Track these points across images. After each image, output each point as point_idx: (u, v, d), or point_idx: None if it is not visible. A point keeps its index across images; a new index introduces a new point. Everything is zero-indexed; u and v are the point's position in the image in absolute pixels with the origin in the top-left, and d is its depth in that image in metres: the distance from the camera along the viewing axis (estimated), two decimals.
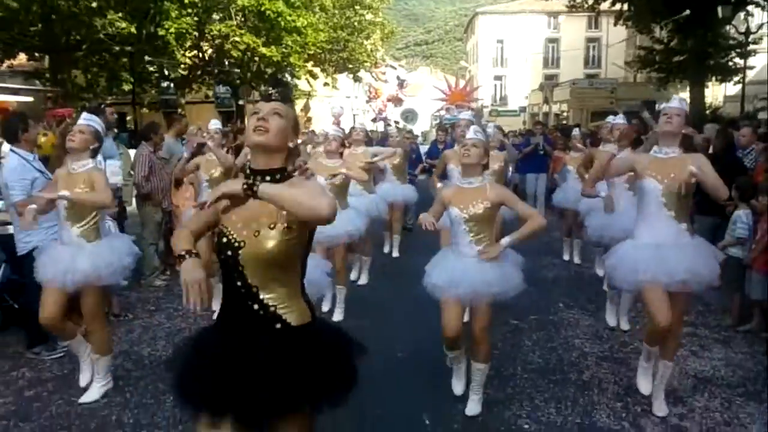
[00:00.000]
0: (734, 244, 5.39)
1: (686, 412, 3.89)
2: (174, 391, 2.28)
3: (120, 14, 13.47)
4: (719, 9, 18.24)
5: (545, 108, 37.50)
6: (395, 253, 8.36)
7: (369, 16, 27.43)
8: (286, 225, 2.10)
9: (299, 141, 7.01)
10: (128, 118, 22.79)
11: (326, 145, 5.81)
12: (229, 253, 2.13)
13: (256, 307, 2.13)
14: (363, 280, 7.05)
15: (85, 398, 4.09)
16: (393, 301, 6.20)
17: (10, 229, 5.19)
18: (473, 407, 3.85)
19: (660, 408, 3.84)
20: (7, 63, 17.19)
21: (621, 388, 4.27)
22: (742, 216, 5.37)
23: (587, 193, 4.55)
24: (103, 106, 7.90)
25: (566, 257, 8.13)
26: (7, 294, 5.44)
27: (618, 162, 4.16)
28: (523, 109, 43.62)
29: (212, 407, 2.11)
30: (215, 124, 6.27)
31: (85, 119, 4.16)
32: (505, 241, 3.68)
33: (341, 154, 5.86)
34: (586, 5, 24.91)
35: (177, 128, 7.97)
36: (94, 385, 4.17)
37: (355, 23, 26.20)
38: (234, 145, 9.40)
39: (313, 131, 12.68)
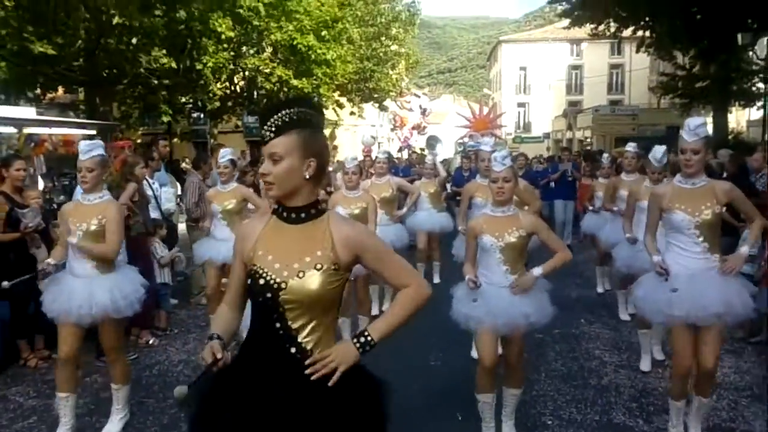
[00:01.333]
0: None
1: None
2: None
3: (164, 51, 14.26)
4: (739, 36, 18.56)
5: (569, 134, 37.88)
6: (436, 279, 8.10)
7: (394, 47, 28.28)
8: (333, 266, 2.00)
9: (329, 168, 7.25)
10: (131, 146, 23.71)
11: (345, 179, 5.82)
12: (269, 295, 1.99)
13: (293, 350, 2.01)
14: (387, 305, 6.83)
15: (106, 431, 4.11)
16: (424, 332, 5.84)
17: None
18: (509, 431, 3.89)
19: None
20: (48, 96, 18.10)
21: (636, 391, 4.67)
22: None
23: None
24: (159, 139, 8.52)
25: (600, 289, 7.84)
26: None
27: (651, 208, 3.89)
28: (546, 136, 43.98)
29: None
30: (225, 155, 6.07)
31: (87, 151, 3.87)
32: (537, 271, 3.66)
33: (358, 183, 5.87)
34: (608, 33, 25.44)
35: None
36: (113, 417, 4.15)
37: (381, 54, 27.02)
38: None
39: (338, 161, 13.10)
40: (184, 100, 20.57)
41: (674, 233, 3.64)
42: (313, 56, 17.93)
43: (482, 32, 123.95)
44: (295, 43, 17.21)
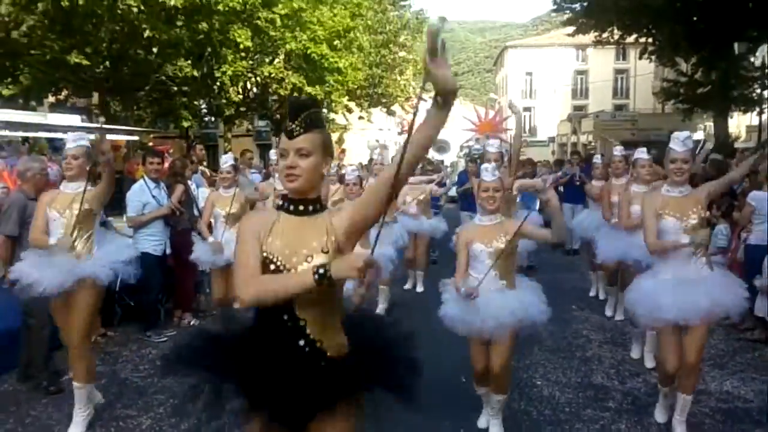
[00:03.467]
0: (716, 253, 6.51)
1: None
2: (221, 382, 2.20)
3: (189, 61, 15.13)
4: (735, 45, 19.21)
5: (573, 138, 38.54)
6: (419, 288, 8.13)
7: (402, 54, 29.16)
8: (337, 249, 2.06)
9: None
10: (171, 150, 24.68)
11: (346, 190, 5.93)
12: None
13: (302, 343, 2.06)
14: (380, 308, 6.96)
15: None
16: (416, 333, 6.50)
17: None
18: (498, 430, 4.04)
19: (660, 415, 4.12)
20: (57, 98, 18.83)
21: (616, 361, 5.45)
22: (722, 229, 6.52)
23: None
24: (194, 143, 9.32)
25: (593, 293, 7.83)
26: (125, 294, 6.80)
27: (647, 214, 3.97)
28: (552, 140, 44.71)
29: (269, 414, 2.11)
30: (227, 161, 6.23)
31: (74, 140, 4.05)
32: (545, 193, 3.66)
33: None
34: (612, 39, 26.16)
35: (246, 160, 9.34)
36: (76, 418, 4.08)
37: (390, 61, 27.92)
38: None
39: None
40: (198, 104, 21.39)
41: (665, 239, 3.80)
42: (325, 64, 18.80)
43: (489, 36, 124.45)
44: (309, 52, 18.05)
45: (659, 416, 4.17)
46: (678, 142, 3.76)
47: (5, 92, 16.71)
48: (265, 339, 2.09)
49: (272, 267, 2.05)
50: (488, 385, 3.97)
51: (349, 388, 2.10)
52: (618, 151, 6.68)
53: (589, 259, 7.75)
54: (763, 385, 4.85)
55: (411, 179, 7.04)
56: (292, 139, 2.05)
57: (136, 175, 6.71)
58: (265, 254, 2.07)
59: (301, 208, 2.12)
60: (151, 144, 9.82)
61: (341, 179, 6.87)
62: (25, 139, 9.40)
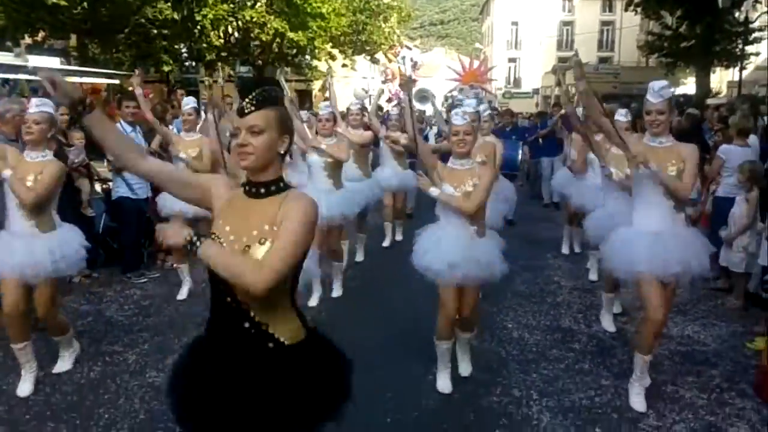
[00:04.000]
0: (688, 205, 6.72)
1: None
2: (172, 414, 2.22)
3: (168, 3, 14.84)
4: (719, 0, 19.18)
5: (557, 90, 38.43)
6: (398, 236, 8.13)
7: (387, 0, 28.66)
8: (275, 239, 1.97)
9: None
10: (151, 95, 24.32)
11: (320, 125, 5.78)
12: None
13: (247, 325, 2.03)
14: (359, 257, 7.18)
15: (58, 368, 4.21)
16: (392, 281, 6.16)
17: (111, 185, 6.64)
18: (466, 367, 4.21)
19: (639, 404, 3.83)
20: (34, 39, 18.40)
21: (584, 306, 5.71)
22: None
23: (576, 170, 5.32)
24: (174, 88, 9.24)
25: (565, 249, 7.72)
26: (108, 237, 6.89)
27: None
28: (536, 92, 44.61)
29: (201, 426, 2.09)
30: (189, 103, 5.96)
31: (38, 106, 3.86)
32: (441, 191, 3.78)
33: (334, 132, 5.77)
34: None
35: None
36: (63, 353, 4.26)
37: (374, 7, 27.44)
38: None
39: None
40: (179, 48, 21.04)
41: (641, 190, 3.78)
42: (308, 9, 18.52)
43: None
44: None
45: (636, 403, 3.83)
46: (653, 93, 3.67)
47: None
48: (214, 326, 2.13)
49: None
50: (451, 337, 4.04)
51: (298, 375, 2.05)
52: (622, 114, 5.88)
53: (567, 214, 7.66)
54: (722, 330, 5.14)
55: (368, 134, 6.93)
56: (243, 117, 2.01)
57: (115, 119, 6.71)
58: (212, 234, 2.07)
59: (254, 190, 2.08)
60: (131, 88, 9.69)
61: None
62: (5, 81, 9.29)
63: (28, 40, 18.13)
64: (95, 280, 6.33)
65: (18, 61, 9.10)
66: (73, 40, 18.64)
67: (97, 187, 6.96)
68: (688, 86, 29.00)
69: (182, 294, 5.82)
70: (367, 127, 7.03)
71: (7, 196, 3.86)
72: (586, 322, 5.28)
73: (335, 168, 5.68)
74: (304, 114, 7.72)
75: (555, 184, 7.90)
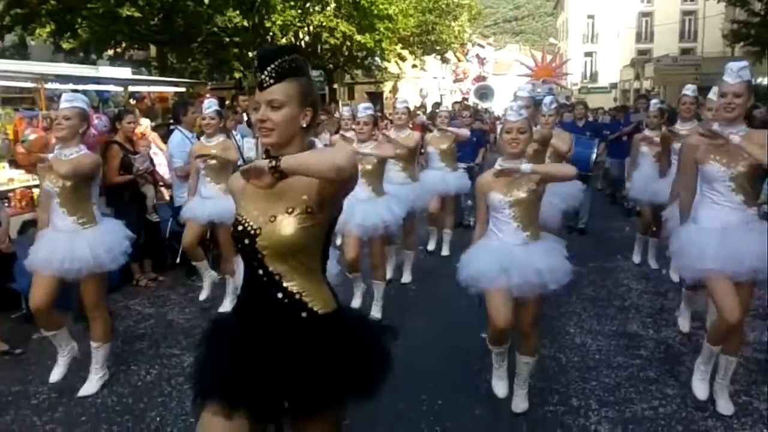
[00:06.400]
0: (766, 202, 6.25)
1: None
2: (191, 381, 2.16)
3: (237, 12, 15.21)
4: None
5: (636, 84, 37.12)
6: (445, 251, 7.35)
7: None
8: (306, 209, 1.97)
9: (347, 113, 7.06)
10: (227, 102, 25.04)
11: (357, 128, 5.33)
12: (247, 241, 2.02)
13: (280, 295, 2.01)
14: (406, 278, 6.38)
15: (84, 392, 4.02)
16: (437, 302, 5.67)
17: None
18: (519, 403, 3.69)
19: (725, 407, 3.59)
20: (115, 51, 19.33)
21: (654, 310, 5.39)
22: None
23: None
24: (236, 94, 9.45)
25: (636, 259, 6.89)
26: (175, 242, 7.07)
27: (684, 162, 3.78)
28: (614, 86, 43.21)
29: (229, 398, 1.97)
30: (211, 106, 5.59)
31: (68, 101, 3.86)
32: (527, 167, 3.38)
33: (374, 137, 5.37)
34: None
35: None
36: (92, 377, 4.08)
37: (443, 6, 27.23)
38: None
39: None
40: (252, 56, 21.54)
41: (709, 185, 3.49)
42: (375, 11, 18.56)
43: None
44: None
45: (699, 390, 3.71)
46: (731, 73, 3.30)
47: (66, 45, 17.26)
48: (248, 294, 2.11)
49: (240, 228, 2.04)
50: (507, 343, 3.68)
51: (333, 345, 1.99)
52: (690, 90, 5.67)
53: (642, 223, 6.84)
54: None
55: (416, 135, 6.50)
56: (262, 90, 1.96)
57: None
58: (237, 216, 2.08)
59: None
60: (208, 96, 9.87)
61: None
62: (75, 92, 9.73)
63: (110, 52, 19.09)
64: (161, 284, 6.51)
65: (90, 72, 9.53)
66: (153, 50, 19.42)
67: (165, 193, 7.17)
68: None
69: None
70: (417, 128, 6.75)
71: (51, 198, 3.89)
72: (655, 327, 4.98)
73: (375, 175, 5.25)
74: (346, 110, 7.59)
75: (632, 190, 6.78)
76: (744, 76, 3.30)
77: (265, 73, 1.94)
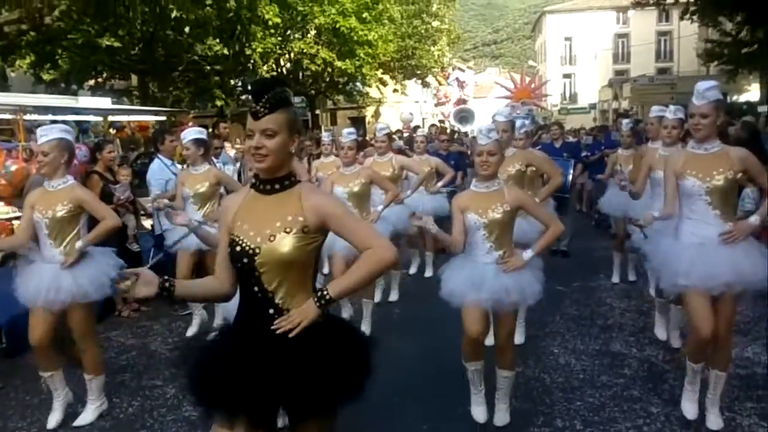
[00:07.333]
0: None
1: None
2: (189, 391, 2.28)
3: (217, 40, 15.30)
4: None
5: (614, 104, 37.64)
6: (428, 272, 7.33)
7: (435, 23, 28.75)
8: (303, 229, 2.15)
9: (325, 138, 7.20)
10: (209, 130, 24.99)
11: (342, 153, 5.47)
12: (245, 260, 2.15)
13: (271, 311, 2.17)
14: (393, 297, 6.52)
15: (80, 421, 4.01)
16: (420, 323, 5.72)
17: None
18: (501, 417, 3.75)
19: (714, 422, 3.60)
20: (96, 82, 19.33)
21: (637, 329, 5.41)
22: (749, 193, 6.35)
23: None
24: (217, 122, 9.48)
25: (615, 278, 6.94)
26: (155, 271, 7.01)
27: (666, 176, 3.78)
28: (593, 106, 43.79)
29: (228, 407, 2.13)
30: (191, 134, 5.55)
31: (43, 135, 3.83)
32: (527, 254, 3.57)
33: (358, 161, 5.55)
34: (651, 0, 25.43)
35: None
36: (88, 407, 4.08)
37: (422, 31, 27.54)
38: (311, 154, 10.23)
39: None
40: (234, 83, 21.64)
41: (687, 201, 3.55)
42: (355, 37, 18.74)
43: (529, 1, 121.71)
44: (337, 26, 18.03)
45: (687, 409, 3.69)
46: (697, 94, 3.41)
47: (46, 76, 17.23)
48: (243, 312, 2.27)
49: (238, 249, 2.18)
50: (480, 359, 3.68)
51: (319, 352, 2.12)
52: (671, 112, 5.43)
53: (616, 241, 7.00)
54: None
55: (398, 159, 6.63)
56: (258, 120, 2.12)
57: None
58: (232, 237, 2.21)
59: (269, 187, 2.22)
60: (190, 124, 9.83)
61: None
62: (54, 123, 9.70)
63: (91, 82, 19.08)
64: (143, 314, 6.44)
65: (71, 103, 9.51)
66: (134, 80, 19.44)
67: (145, 222, 7.13)
68: (752, 93, 27.93)
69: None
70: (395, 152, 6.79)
71: (39, 230, 3.86)
72: (638, 346, 5.01)
73: (362, 198, 5.39)
74: (326, 135, 7.64)
75: (605, 205, 6.92)
76: (710, 97, 3.39)
77: (260, 103, 2.10)
